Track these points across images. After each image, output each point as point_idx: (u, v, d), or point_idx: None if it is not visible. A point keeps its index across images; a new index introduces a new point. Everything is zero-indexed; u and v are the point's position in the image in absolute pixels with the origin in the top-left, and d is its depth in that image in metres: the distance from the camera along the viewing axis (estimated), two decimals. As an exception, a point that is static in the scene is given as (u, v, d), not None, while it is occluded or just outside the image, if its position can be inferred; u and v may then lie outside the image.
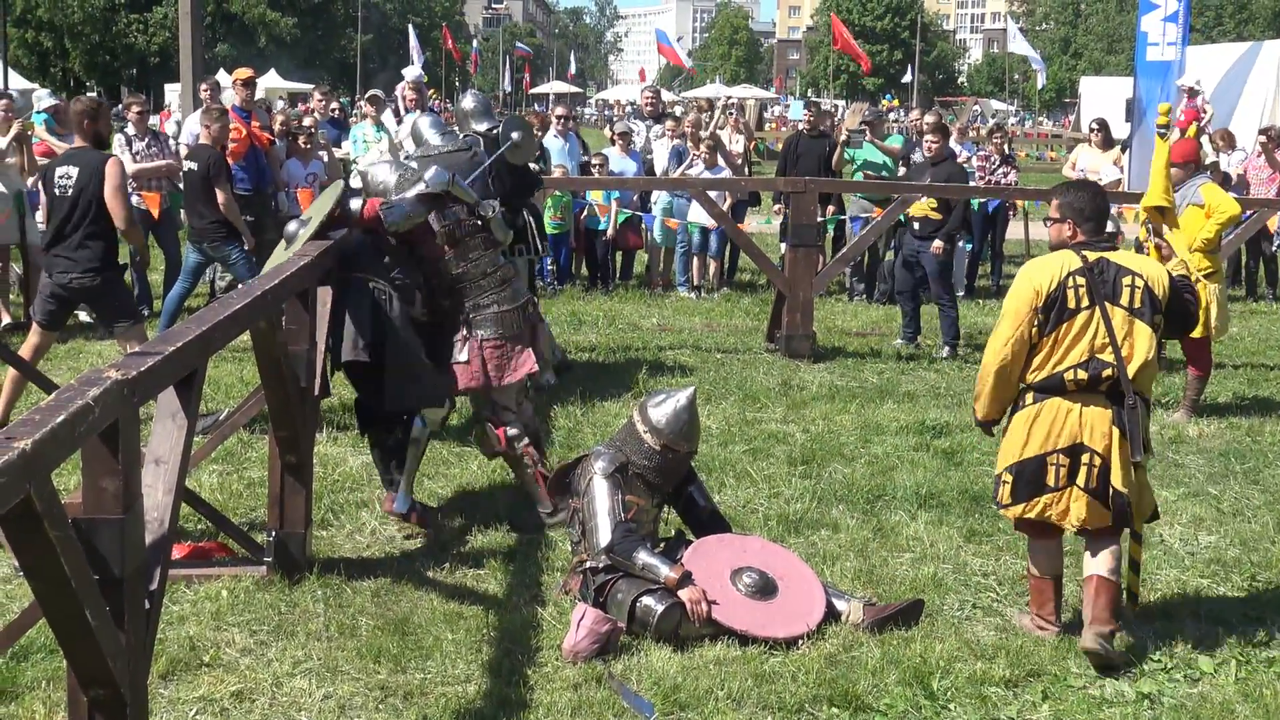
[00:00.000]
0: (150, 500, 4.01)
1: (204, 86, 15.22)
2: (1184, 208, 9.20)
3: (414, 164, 7.34)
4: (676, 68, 66.21)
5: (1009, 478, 5.57)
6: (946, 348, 11.67)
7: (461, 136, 8.47)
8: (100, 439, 3.56)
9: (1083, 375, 5.38)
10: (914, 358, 11.44)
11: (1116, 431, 5.39)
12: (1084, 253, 5.47)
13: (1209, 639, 5.65)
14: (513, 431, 7.08)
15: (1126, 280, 5.42)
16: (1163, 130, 8.09)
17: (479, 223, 7.03)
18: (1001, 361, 5.49)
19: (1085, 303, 5.38)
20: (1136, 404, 5.43)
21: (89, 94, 23.58)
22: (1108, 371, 5.37)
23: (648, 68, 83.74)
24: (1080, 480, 5.43)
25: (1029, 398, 5.53)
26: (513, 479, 7.42)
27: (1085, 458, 5.41)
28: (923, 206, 11.67)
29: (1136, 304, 5.41)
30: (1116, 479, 5.39)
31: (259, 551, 6.19)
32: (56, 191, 8.27)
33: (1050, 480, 5.47)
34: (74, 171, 8.20)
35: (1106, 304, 5.39)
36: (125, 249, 13.09)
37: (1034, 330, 5.42)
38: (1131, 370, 5.39)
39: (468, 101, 9.50)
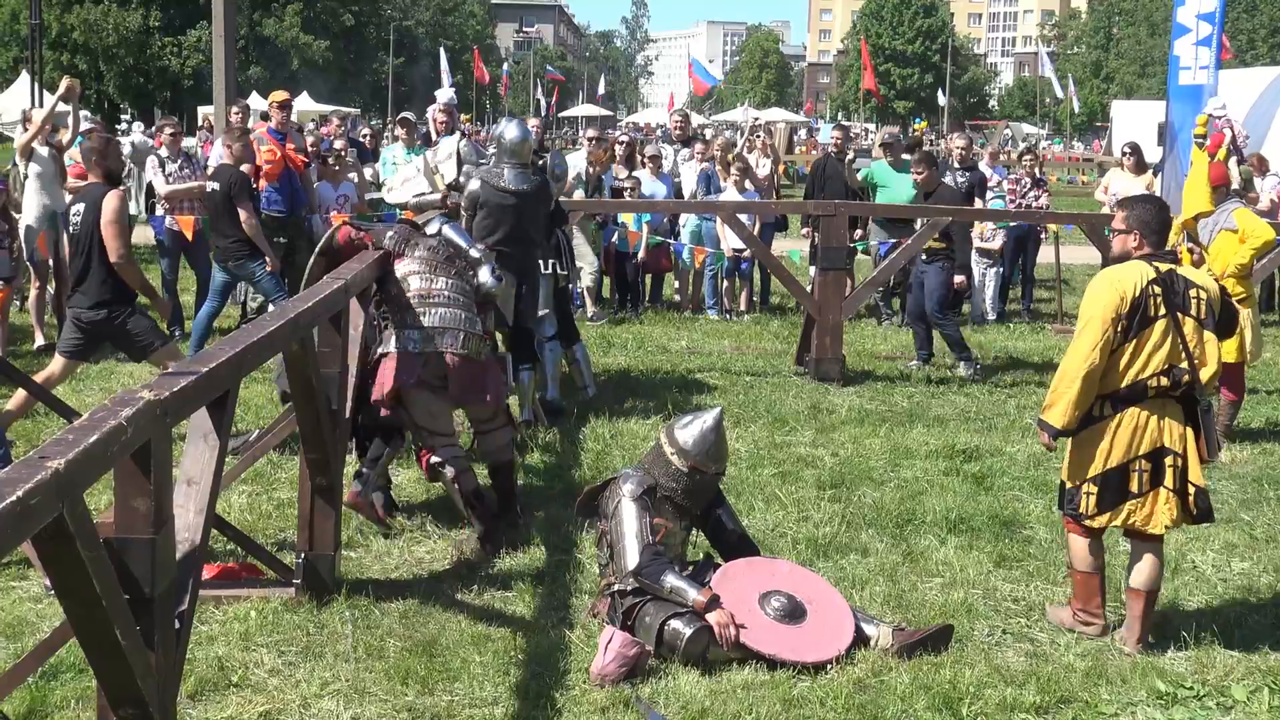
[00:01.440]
0: (181, 520, 4.03)
1: (234, 109, 15.34)
2: (1216, 233, 9.14)
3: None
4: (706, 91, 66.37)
5: (1093, 489, 5.74)
6: (961, 364, 11.68)
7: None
8: (133, 459, 3.58)
9: (1165, 382, 5.64)
10: (944, 381, 11.39)
11: (1190, 432, 5.70)
12: (1155, 264, 5.70)
13: (1242, 666, 5.60)
14: (435, 459, 7.07)
15: (1193, 292, 5.70)
16: (1200, 139, 8.10)
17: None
18: (1090, 367, 5.62)
19: (1161, 312, 5.62)
20: (1210, 407, 5.81)
21: (108, 122, 23.71)
22: (1185, 378, 5.66)
23: (678, 91, 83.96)
24: (1167, 481, 5.67)
25: (1106, 408, 5.72)
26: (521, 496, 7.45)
27: (1169, 460, 5.68)
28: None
29: (1202, 314, 5.71)
30: (1196, 477, 5.70)
31: (287, 573, 6.20)
32: (71, 230, 8.34)
33: (1134, 487, 5.69)
34: (82, 208, 8.26)
35: (1178, 314, 5.65)
36: (157, 272, 13.29)
37: (1117, 336, 5.61)
38: (1204, 376, 5.74)
39: (517, 131, 9.34)
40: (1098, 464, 5.73)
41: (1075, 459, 5.84)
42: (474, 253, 7.44)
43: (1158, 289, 5.62)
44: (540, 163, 9.28)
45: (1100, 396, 5.71)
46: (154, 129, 23.26)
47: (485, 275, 7.41)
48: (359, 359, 6.90)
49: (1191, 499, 5.70)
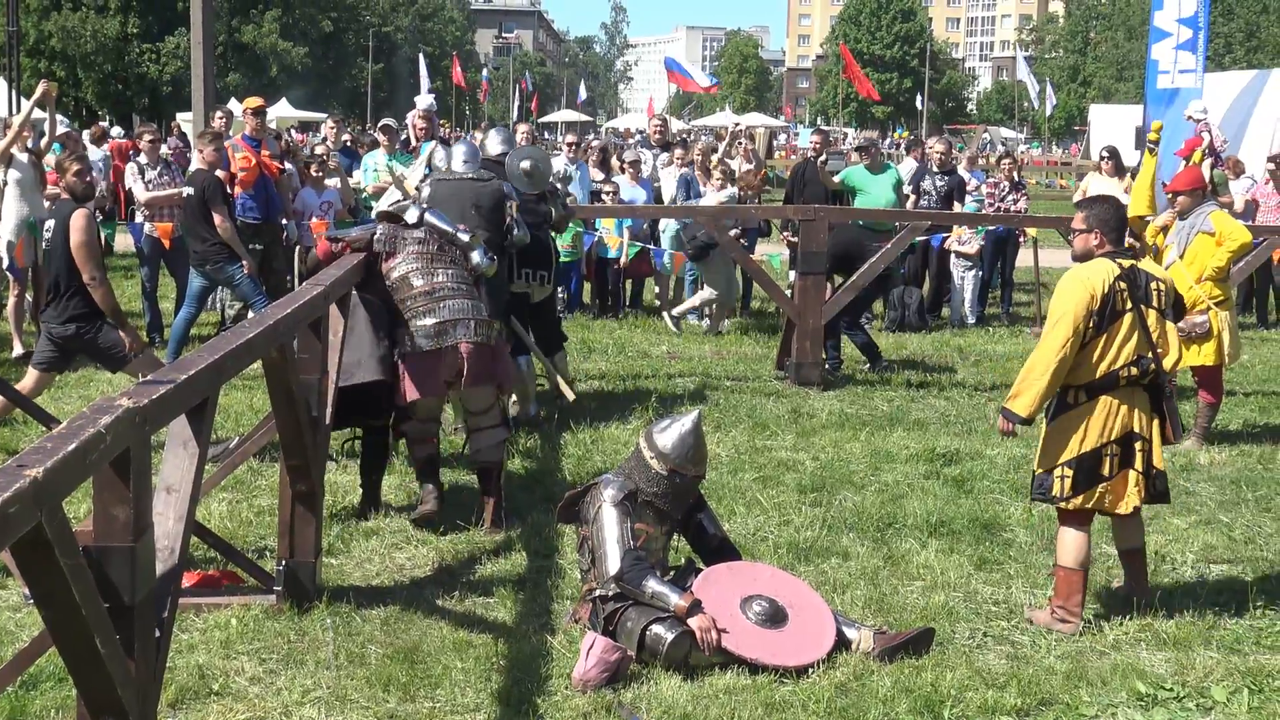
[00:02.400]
0: (161, 528, 4.02)
1: (219, 115, 15.27)
2: (1193, 236, 9.18)
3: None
4: (686, 95, 66.25)
5: (1069, 472, 5.98)
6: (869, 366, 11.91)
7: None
8: (111, 467, 3.57)
9: (1135, 371, 5.94)
10: (924, 385, 11.42)
11: (1156, 418, 6.03)
12: (1119, 260, 6.00)
13: (1221, 667, 5.63)
14: (404, 427, 7.45)
15: (1153, 285, 6.04)
16: (1152, 146, 8.24)
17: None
18: (1060, 361, 5.87)
19: (1128, 305, 5.92)
20: (1172, 394, 6.20)
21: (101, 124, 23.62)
22: (1152, 367, 5.97)
23: (657, 96, 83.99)
24: (1137, 464, 5.99)
25: (1079, 396, 5.99)
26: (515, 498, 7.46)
27: (1138, 445, 5.99)
28: None
29: (1163, 305, 6.05)
30: (1158, 460, 6.07)
31: (268, 580, 6.18)
32: (44, 245, 8.32)
33: (1105, 470, 5.98)
34: (52, 224, 8.23)
35: (1142, 306, 5.96)
36: (137, 280, 13.25)
37: (1088, 331, 5.87)
38: (1167, 364, 6.04)
39: (491, 137, 9.88)
40: (1073, 449, 5.98)
41: (1050, 445, 6.07)
42: (461, 236, 7.56)
43: (1123, 284, 5.92)
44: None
45: (1074, 386, 5.98)
46: (133, 135, 23.14)
47: (477, 257, 7.58)
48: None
49: (1152, 479, 6.05)
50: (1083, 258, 6.10)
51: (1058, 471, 6.01)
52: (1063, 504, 6.03)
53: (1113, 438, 5.95)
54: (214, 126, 14.02)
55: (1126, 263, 6.01)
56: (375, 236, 7.39)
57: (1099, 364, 5.91)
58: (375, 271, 7.30)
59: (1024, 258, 16.49)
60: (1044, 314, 14.97)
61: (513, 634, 5.85)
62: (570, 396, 9.54)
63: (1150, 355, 5.96)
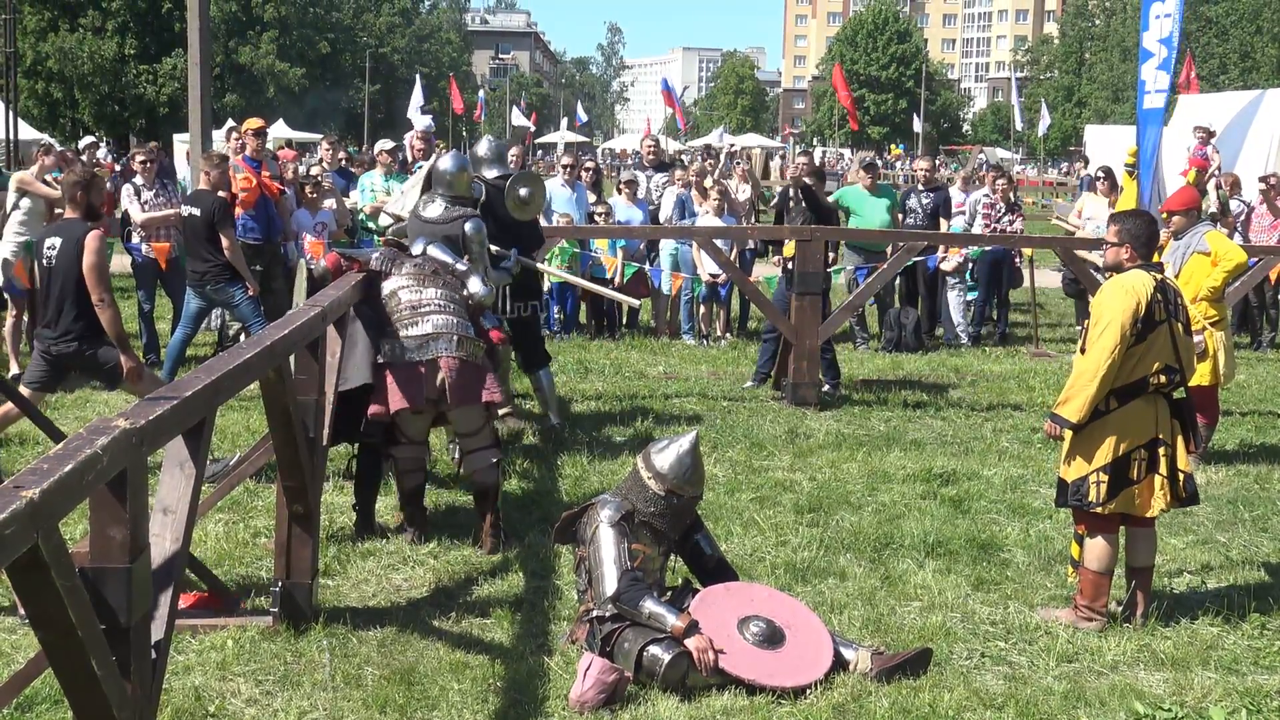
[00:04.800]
0: (158, 549, 4.01)
1: (235, 134, 14.91)
2: (1189, 256, 9.20)
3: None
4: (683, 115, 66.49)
5: (1104, 478, 6.16)
6: (828, 385, 11.77)
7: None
8: (108, 488, 3.56)
9: (1164, 379, 6.17)
10: (920, 405, 11.42)
11: (1177, 423, 6.26)
12: (1152, 273, 6.22)
13: (1220, 687, 5.63)
14: (393, 451, 7.55)
15: (1179, 299, 6.30)
16: (1130, 168, 8.44)
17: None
18: (1109, 367, 6.04)
19: (1162, 316, 6.15)
20: (1192, 402, 6.46)
21: (90, 140, 23.57)
22: (1178, 376, 6.21)
23: (654, 117, 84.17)
24: (1161, 468, 6.19)
25: (1111, 402, 6.16)
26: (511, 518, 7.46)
27: (1162, 450, 6.20)
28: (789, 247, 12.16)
29: (1184, 319, 6.30)
30: (1184, 464, 6.30)
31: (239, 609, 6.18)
32: (44, 262, 8.29)
33: (1133, 474, 6.19)
34: (58, 243, 8.21)
35: (1172, 319, 6.19)
36: (134, 301, 13.24)
37: (1132, 338, 6.06)
38: (1189, 373, 6.29)
39: (481, 147, 9.73)
40: (1106, 454, 6.16)
41: (1083, 450, 6.23)
42: (460, 266, 7.72)
43: (1160, 295, 6.16)
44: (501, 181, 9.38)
45: (1108, 392, 6.13)
46: (126, 156, 23.15)
47: (475, 285, 7.69)
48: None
49: (1181, 484, 6.26)
50: (1113, 269, 6.32)
51: (1092, 477, 6.18)
52: (1098, 509, 6.18)
53: (1140, 443, 6.17)
54: (231, 145, 13.97)
55: (1158, 276, 6.24)
56: (375, 256, 7.50)
57: (1135, 370, 6.12)
58: (375, 289, 7.38)
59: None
60: (1040, 334, 15.08)
61: (510, 655, 5.84)
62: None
63: (1177, 366, 6.19)
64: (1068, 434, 6.27)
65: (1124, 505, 6.21)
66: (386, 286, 7.35)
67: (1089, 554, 6.31)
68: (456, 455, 8.43)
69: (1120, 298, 6.11)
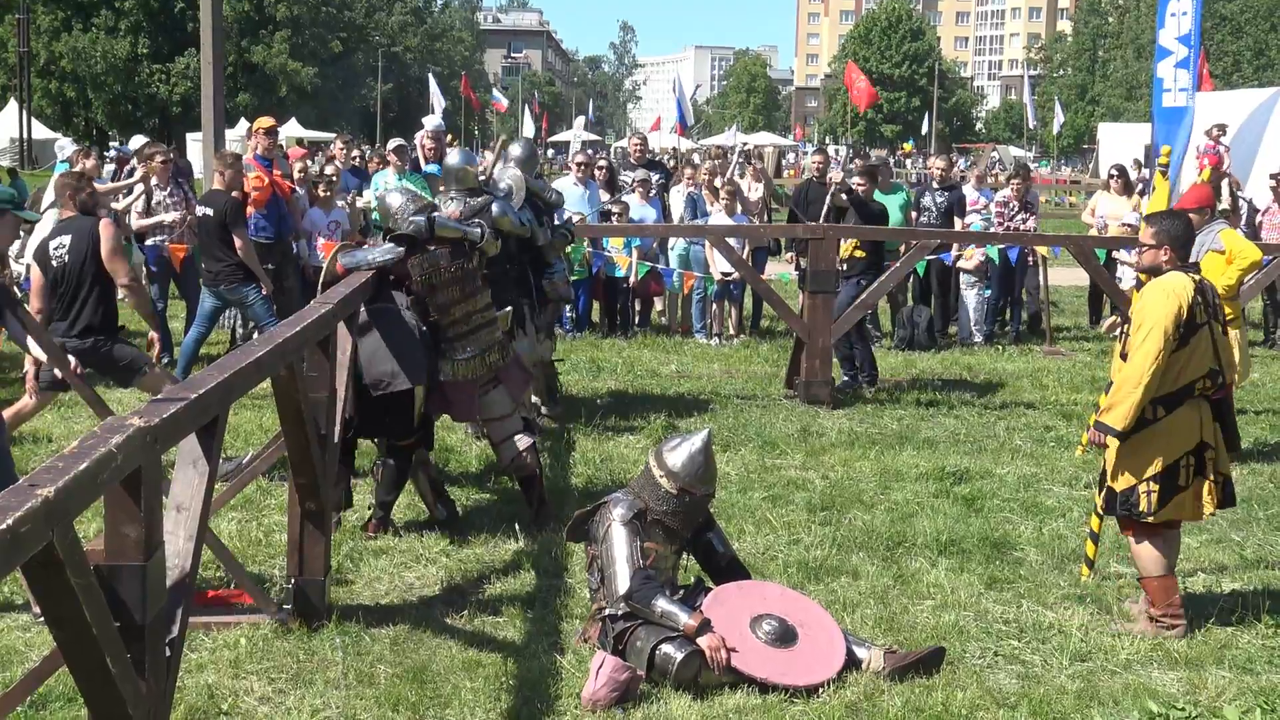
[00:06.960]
0: (171, 547, 4.02)
1: (262, 133, 14.86)
2: (1203, 254, 9.15)
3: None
4: (695, 113, 66.37)
5: (1154, 487, 6.08)
6: (846, 380, 11.85)
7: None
8: (123, 486, 3.57)
9: (1209, 384, 6.09)
10: (933, 404, 11.41)
11: (1218, 426, 6.17)
12: (1190, 275, 6.14)
13: (1234, 687, 5.61)
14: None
15: (1216, 299, 6.22)
16: (1163, 168, 8.34)
17: (462, 270, 7.58)
18: (1154, 372, 5.96)
19: (1203, 318, 6.06)
20: (1233, 405, 6.39)
21: (104, 145, 23.66)
22: (1220, 379, 6.13)
23: (665, 116, 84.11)
24: (1209, 472, 6.11)
25: (1158, 410, 6.07)
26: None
27: (1208, 454, 6.12)
28: (848, 246, 11.98)
29: (1222, 318, 6.22)
30: (1225, 467, 6.22)
31: (271, 605, 6.18)
32: (54, 263, 8.29)
33: (1182, 480, 6.10)
34: (67, 240, 8.24)
35: (1212, 320, 6.11)
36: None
37: (1175, 342, 5.98)
38: (1230, 375, 6.23)
39: (515, 149, 9.96)
40: (1156, 464, 6.07)
41: (1131, 461, 6.13)
42: (473, 231, 7.79)
43: (1200, 297, 6.06)
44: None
45: (1153, 401, 6.03)
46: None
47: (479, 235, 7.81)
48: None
49: (1221, 485, 6.18)
50: (1151, 272, 6.22)
51: (1142, 488, 6.10)
52: (1150, 519, 6.11)
53: (1188, 449, 6.08)
54: (251, 145, 13.98)
55: (1197, 277, 6.17)
56: (412, 265, 7.51)
57: (1180, 376, 6.03)
58: (415, 292, 7.53)
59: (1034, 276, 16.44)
60: (1053, 332, 15.04)
61: (522, 653, 5.84)
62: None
63: (1219, 367, 6.10)
64: (1113, 442, 6.14)
65: (1173, 512, 6.14)
66: (435, 298, 7.53)
67: (1144, 562, 6.23)
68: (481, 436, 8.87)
69: (1163, 301, 6.00)
